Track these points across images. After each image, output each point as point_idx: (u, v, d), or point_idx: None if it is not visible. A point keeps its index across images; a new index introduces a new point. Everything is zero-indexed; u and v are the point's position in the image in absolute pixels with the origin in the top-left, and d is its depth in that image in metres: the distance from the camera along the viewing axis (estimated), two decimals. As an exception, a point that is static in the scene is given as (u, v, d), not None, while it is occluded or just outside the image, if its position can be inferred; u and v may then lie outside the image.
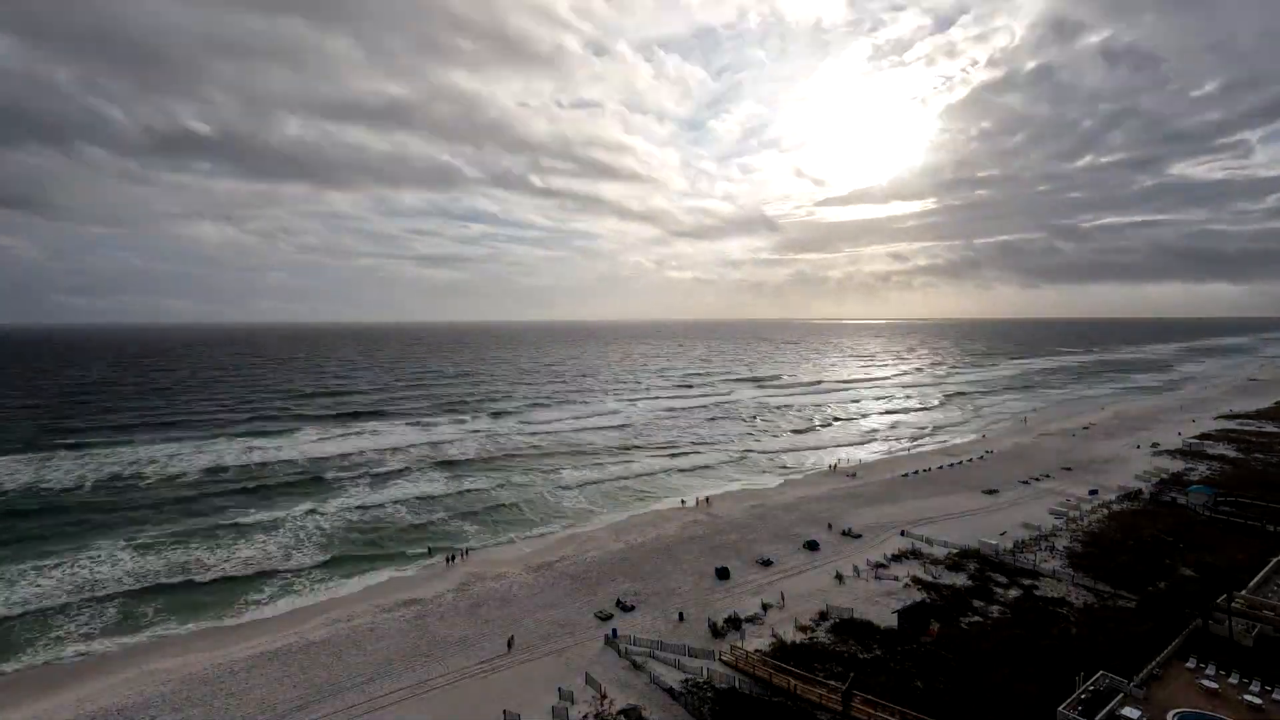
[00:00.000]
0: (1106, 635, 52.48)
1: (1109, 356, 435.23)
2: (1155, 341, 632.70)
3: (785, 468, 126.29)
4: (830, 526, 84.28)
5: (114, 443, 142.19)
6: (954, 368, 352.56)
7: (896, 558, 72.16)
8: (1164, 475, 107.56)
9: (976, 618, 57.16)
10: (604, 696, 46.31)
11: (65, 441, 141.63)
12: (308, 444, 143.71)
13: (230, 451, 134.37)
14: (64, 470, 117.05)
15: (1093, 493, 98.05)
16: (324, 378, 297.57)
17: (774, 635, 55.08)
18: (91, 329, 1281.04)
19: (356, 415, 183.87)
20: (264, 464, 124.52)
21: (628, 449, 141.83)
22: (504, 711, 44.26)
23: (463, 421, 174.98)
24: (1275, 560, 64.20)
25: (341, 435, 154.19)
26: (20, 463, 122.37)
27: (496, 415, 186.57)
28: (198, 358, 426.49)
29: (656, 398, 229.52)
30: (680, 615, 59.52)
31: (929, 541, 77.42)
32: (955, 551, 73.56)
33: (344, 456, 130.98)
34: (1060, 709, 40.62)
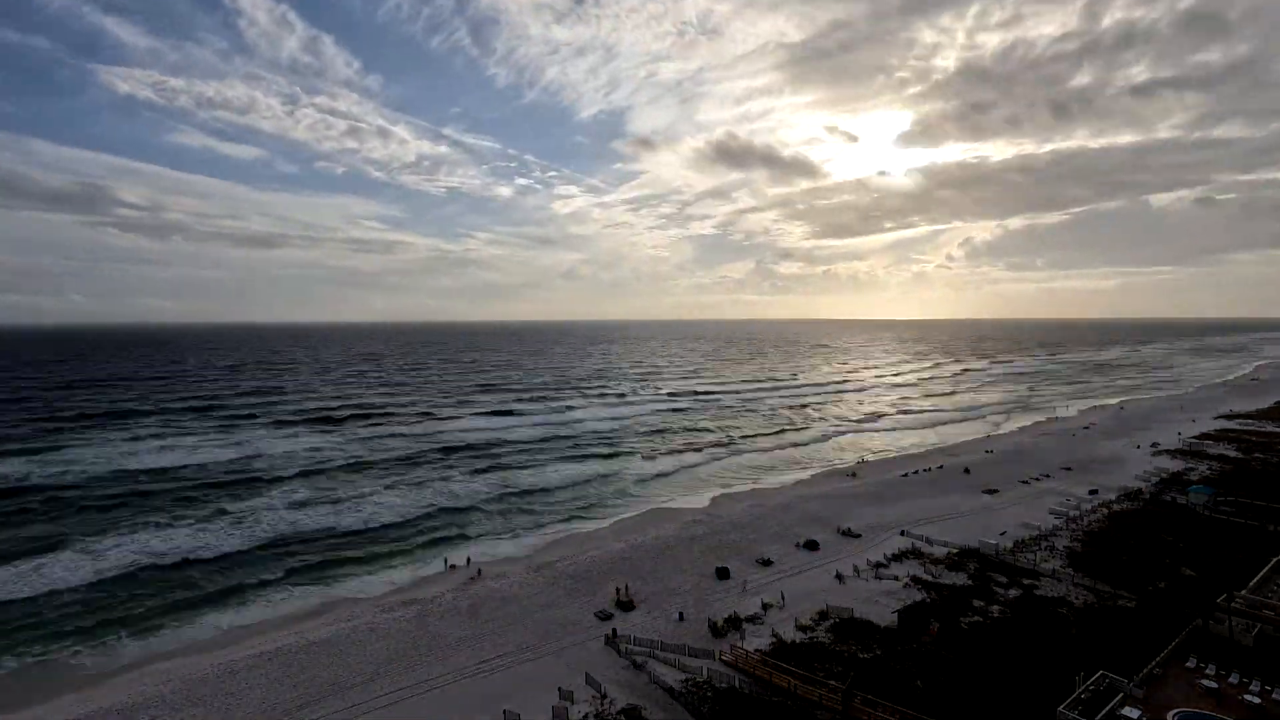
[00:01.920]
0: (1106, 635, 52.53)
1: None
2: None
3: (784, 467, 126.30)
4: (830, 526, 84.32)
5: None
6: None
7: (896, 557, 72.18)
8: (1164, 475, 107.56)
9: (976, 617, 57.16)
10: (604, 696, 46.33)
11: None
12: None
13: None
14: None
15: (1093, 493, 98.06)
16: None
17: (774, 635, 55.11)
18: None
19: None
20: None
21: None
22: (504, 711, 44.28)
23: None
24: (1275, 560, 64.17)
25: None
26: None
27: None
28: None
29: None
30: (680, 615, 59.54)
31: (929, 541, 77.44)
32: (955, 551, 73.59)
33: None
34: (1060, 709, 40.60)
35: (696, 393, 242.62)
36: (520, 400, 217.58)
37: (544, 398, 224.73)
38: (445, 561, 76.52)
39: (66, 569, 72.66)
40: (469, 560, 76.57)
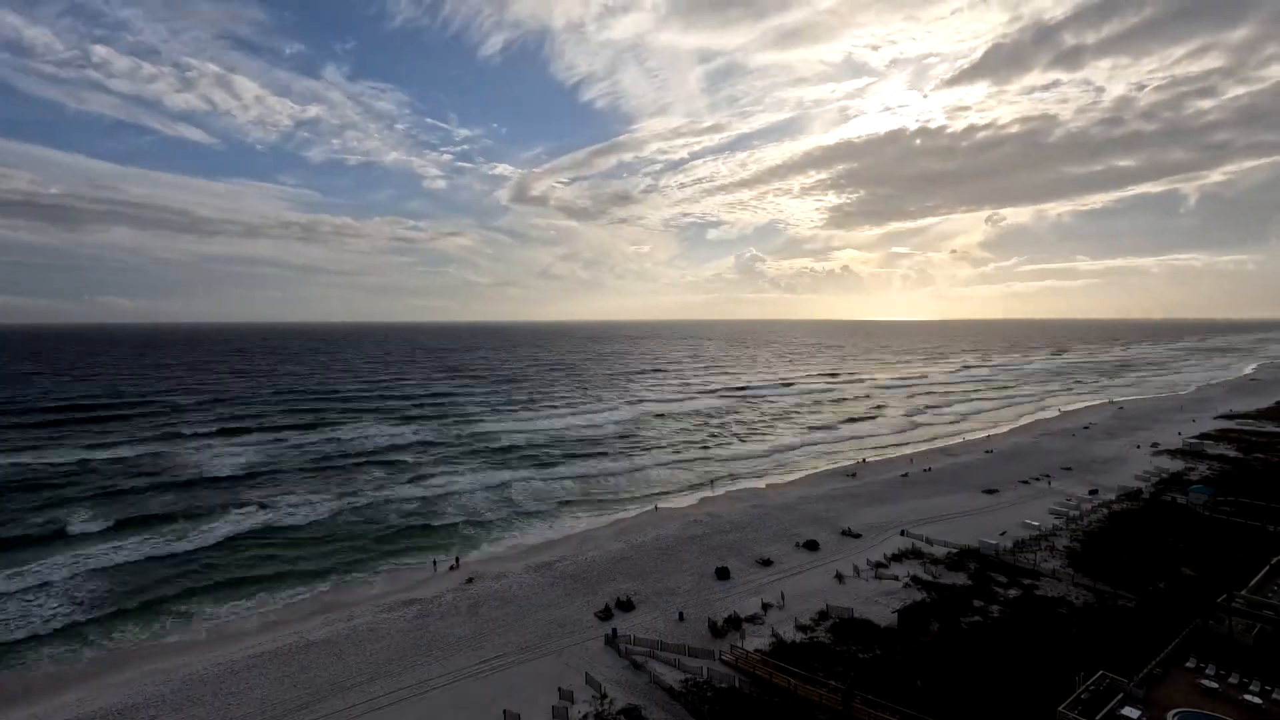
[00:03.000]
0: (1106, 635, 52.54)
1: None
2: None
3: (784, 468, 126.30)
4: (830, 526, 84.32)
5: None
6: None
7: (896, 557, 72.18)
8: (1164, 475, 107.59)
9: (976, 617, 57.17)
10: (604, 696, 46.35)
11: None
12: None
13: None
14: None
15: (1093, 493, 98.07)
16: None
17: (774, 635, 55.13)
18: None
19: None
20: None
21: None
22: (504, 711, 44.32)
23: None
24: (1275, 560, 64.18)
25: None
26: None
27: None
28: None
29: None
30: (680, 615, 59.54)
31: (929, 541, 77.45)
32: (955, 551, 73.59)
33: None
34: (1060, 709, 40.61)
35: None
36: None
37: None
38: (437, 562, 76.53)
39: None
40: (457, 561, 76.64)
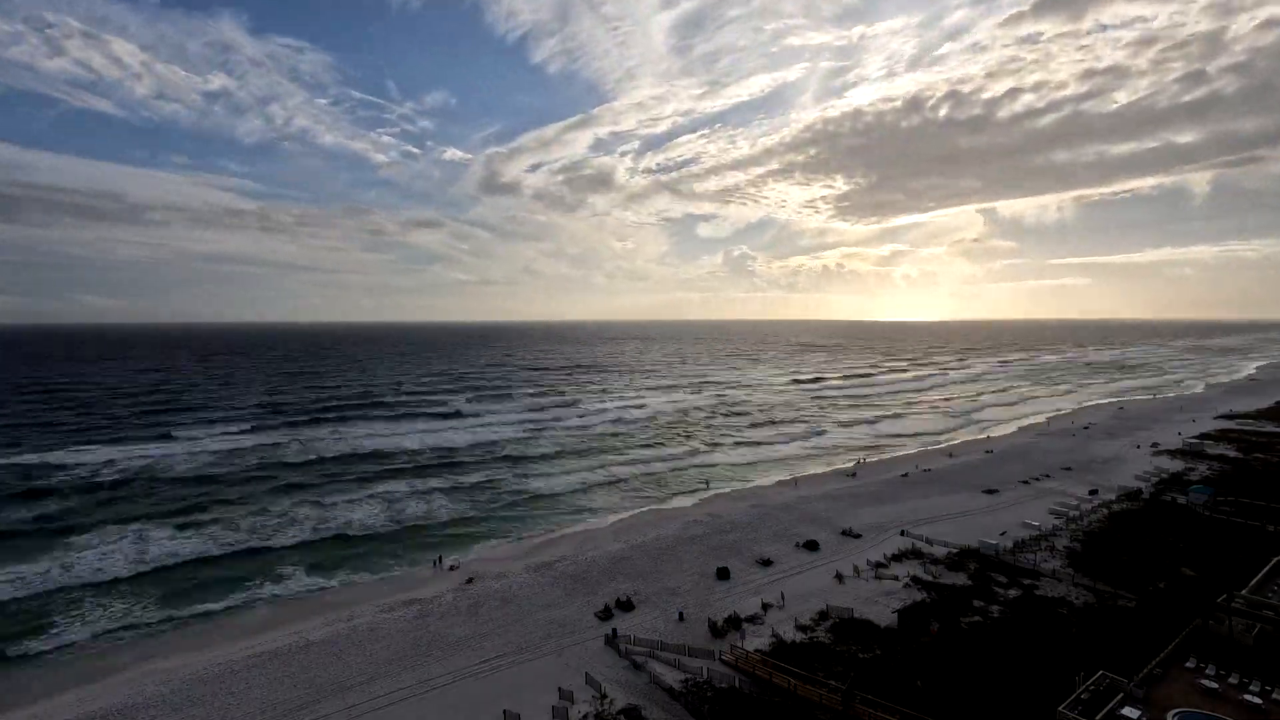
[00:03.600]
0: (1106, 635, 52.53)
1: None
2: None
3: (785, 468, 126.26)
4: (830, 526, 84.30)
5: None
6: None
7: (896, 557, 72.17)
8: (1164, 475, 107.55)
9: (976, 617, 57.15)
10: (604, 696, 46.35)
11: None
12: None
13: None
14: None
15: (1093, 493, 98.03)
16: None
17: (774, 635, 55.11)
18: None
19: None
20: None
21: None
22: (504, 711, 44.32)
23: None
24: (1275, 560, 64.09)
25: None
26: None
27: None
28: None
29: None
30: (680, 615, 59.53)
31: (929, 541, 77.43)
32: (955, 551, 73.57)
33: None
34: (1060, 709, 40.58)
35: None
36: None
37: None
38: (441, 560, 76.53)
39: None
40: (453, 564, 76.58)
